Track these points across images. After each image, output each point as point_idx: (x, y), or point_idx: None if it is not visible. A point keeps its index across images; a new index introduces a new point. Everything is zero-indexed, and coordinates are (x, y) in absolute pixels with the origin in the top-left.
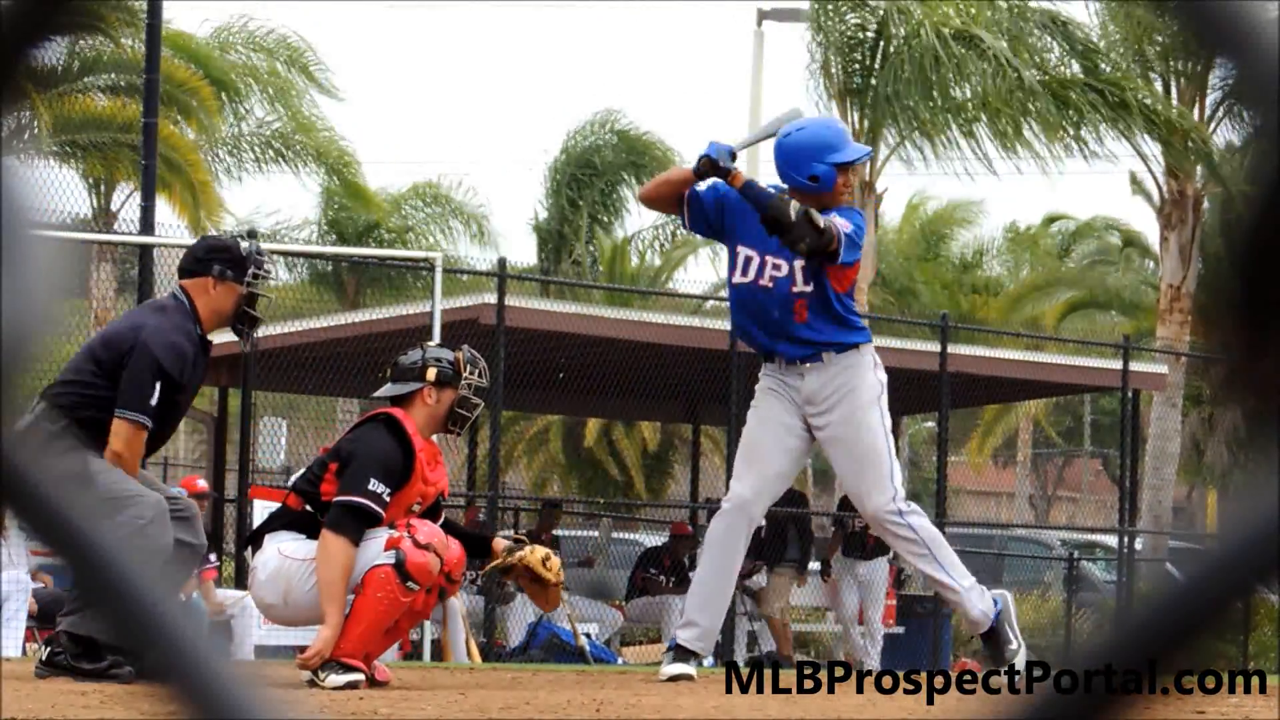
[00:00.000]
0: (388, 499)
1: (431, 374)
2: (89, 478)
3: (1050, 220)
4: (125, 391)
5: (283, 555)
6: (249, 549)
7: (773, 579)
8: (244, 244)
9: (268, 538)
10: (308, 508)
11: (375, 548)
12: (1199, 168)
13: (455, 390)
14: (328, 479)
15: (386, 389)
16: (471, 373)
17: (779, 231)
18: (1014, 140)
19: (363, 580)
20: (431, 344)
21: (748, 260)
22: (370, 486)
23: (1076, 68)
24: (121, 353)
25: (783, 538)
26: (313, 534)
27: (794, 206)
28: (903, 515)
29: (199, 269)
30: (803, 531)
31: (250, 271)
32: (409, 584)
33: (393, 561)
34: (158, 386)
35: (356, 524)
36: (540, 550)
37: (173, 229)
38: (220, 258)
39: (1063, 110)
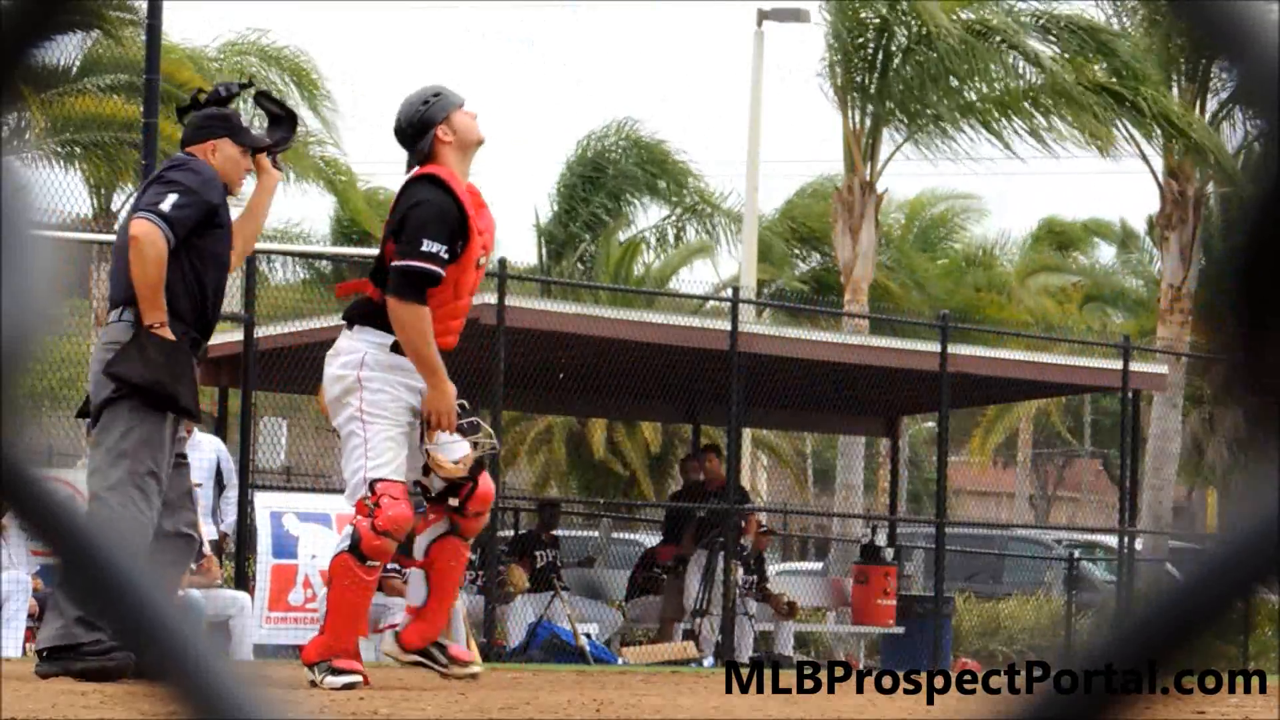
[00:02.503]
0: (445, 256)
1: (435, 114)
2: (122, 437)
3: (1053, 230)
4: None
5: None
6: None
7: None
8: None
9: (356, 329)
10: (380, 295)
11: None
12: (1198, 169)
13: (457, 109)
14: (390, 259)
15: (410, 158)
16: (440, 96)
17: None
18: (1027, 134)
19: (329, 572)
20: (404, 102)
21: None
22: (424, 247)
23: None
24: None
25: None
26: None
27: None
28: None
29: (199, 136)
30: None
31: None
32: (368, 563)
33: (348, 545)
34: (173, 196)
35: (416, 288)
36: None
37: None
38: (219, 126)
39: (1068, 104)
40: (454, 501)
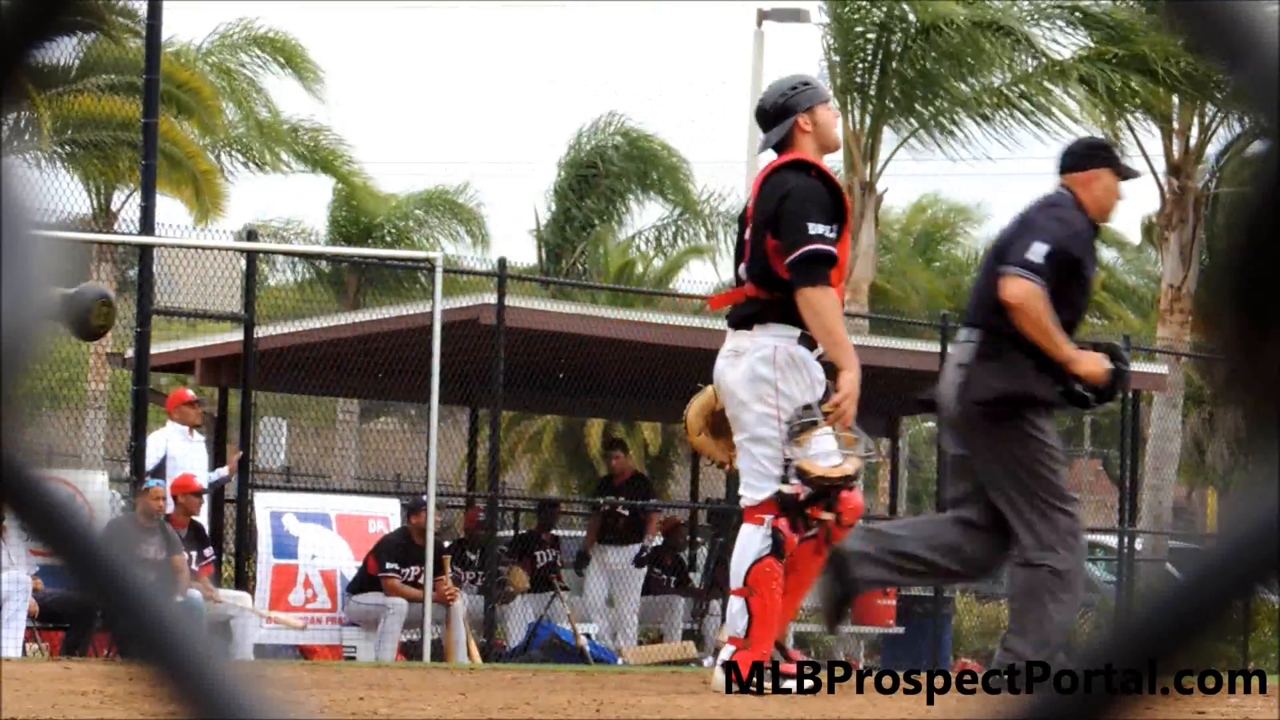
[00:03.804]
0: (833, 235)
1: (800, 101)
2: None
3: None
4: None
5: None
6: (740, 328)
7: None
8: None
9: (756, 328)
10: (769, 293)
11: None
12: (1225, 123)
13: (822, 103)
14: (772, 254)
15: (766, 139)
16: (809, 86)
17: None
18: (1029, 123)
19: (756, 582)
20: (773, 84)
21: None
22: (812, 230)
23: (1085, 37)
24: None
25: None
26: (795, 321)
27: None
28: None
29: (1081, 164)
30: None
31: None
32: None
33: (769, 548)
34: (1041, 246)
35: (819, 268)
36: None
37: (176, 229)
38: (1100, 155)
39: (1074, 87)
40: (828, 515)
